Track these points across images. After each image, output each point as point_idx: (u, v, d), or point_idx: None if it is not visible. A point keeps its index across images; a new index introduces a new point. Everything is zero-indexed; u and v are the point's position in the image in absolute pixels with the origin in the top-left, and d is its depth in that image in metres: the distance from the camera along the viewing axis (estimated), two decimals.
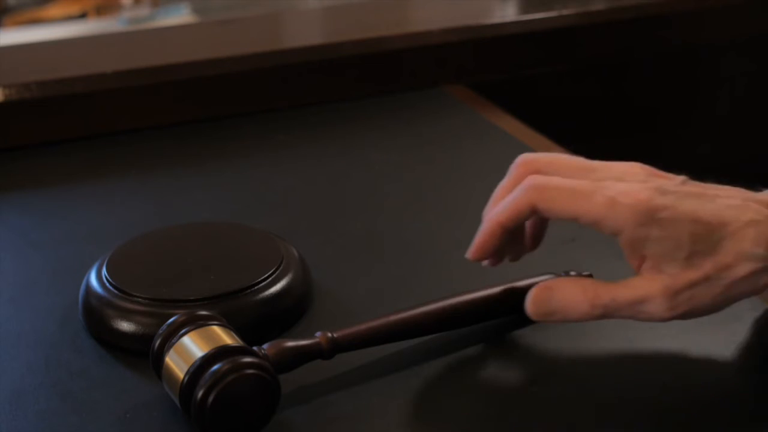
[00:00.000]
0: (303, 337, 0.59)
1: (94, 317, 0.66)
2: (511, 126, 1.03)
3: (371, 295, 0.71)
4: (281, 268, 0.68)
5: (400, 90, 1.12)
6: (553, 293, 0.58)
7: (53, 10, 2.56)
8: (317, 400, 0.59)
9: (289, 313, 0.67)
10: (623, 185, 0.56)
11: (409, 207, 0.86)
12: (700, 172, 0.70)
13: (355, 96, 1.11)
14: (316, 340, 0.59)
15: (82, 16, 2.56)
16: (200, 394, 0.53)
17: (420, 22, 1.23)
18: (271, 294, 0.66)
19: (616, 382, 0.61)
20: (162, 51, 1.12)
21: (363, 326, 0.61)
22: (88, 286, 0.68)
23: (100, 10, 2.56)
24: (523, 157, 0.61)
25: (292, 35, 1.27)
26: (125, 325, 0.64)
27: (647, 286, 0.56)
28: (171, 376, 0.56)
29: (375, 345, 0.61)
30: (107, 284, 0.66)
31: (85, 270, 0.70)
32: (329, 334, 0.60)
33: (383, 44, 1.12)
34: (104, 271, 0.68)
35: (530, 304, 0.59)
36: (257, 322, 0.65)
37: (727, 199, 0.57)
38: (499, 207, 0.59)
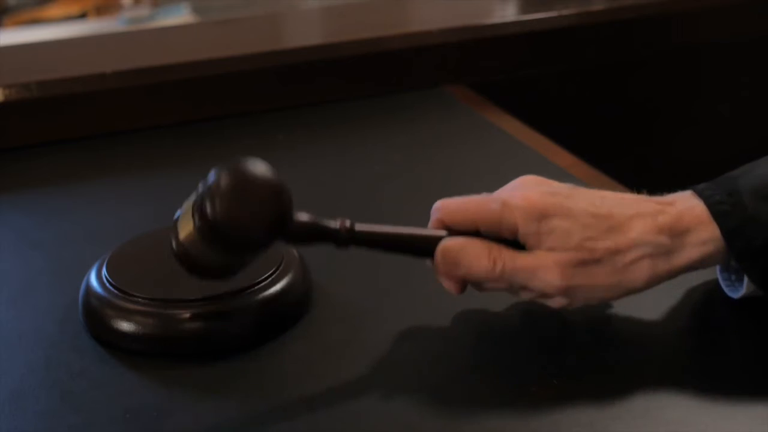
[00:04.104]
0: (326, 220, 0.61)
1: (94, 317, 0.66)
2: (511, 126, 1.03)
3: (371, 295, 0.71)
4: (281, 268, 0.68)
5: (400, 90, 1.12)
6: (462, 246, 0.63)
7: (53, 10, 2.56)
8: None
9: (288, 313, 0.67)
10: (515, 192, 0.62)
11: (409, 207, 0.85)
12: (700, 171, 0.70)
13: (355, 96, 1.10)
14: (336, 225, 0.61)
15: (82, 16, 2.56)
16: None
17: (420, 22, 1.23)
18: (271, 294, 0.66)
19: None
20: (162, 51, 1.12)
21: (379, 228, 0.63)
22: (88, 286, 0.67)
23: (100, 10, 2.56)
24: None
25: (292, 35, 1.27)
26: (125, 325, 0.64)
27: (543, 257, 0.61)
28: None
29: (386, 250, 0.64)
30: (107, 284, 0.66)
31: (85, 270, 0.70)
32: (348, 223, 0.62)
33: (383, 44, 1.12)
34: (104, 271, 0.68)
35: (439, 254, 0.63)
36: (257, 322, 0.65)
37: (615, 198, 0.63)
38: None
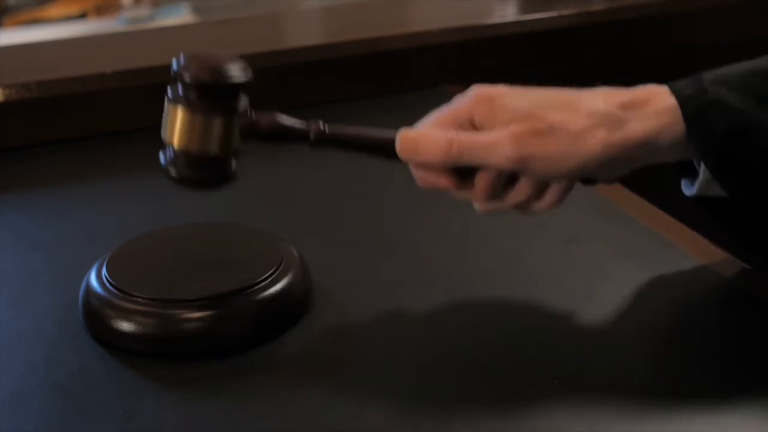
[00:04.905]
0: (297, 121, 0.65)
1: (94, 317, 0.66)
2: None
3: (371, 295, 0.71)
4: (281, 268, 0.68)
5: (400, 90, 1.12)
6: (420, 132, 0.65)
7: (53, 10, 2.55)
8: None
9: (288, 313, 0.67)
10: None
11: (409, 207, 0.86)
12: None
13: (355, 96, 1.10)
14: (306, 125, 0.65)
15: (82, 16, 2.56)
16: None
17: (420, 22, 1.23)
18: (271, 294, 0.66)
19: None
20: (162, 51, 1.12)
21: (350, 130, 0.66)
22: (88, 286, 0.67)
23: (100, 10, 2.56)
24: None
25: (292, 35, 1.27)
26: (125, 325, 0.64)
27: (498, 132, 0.62)
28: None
29: (354, 151, 0.67)
30: (107, 284, 0.66)
31: (85, 270, 0.70)
32: (321, 125, 0.65)
33: (383, 44, 1.12)
34: (104, 271, 0.68)
35: (399, 142, 0.65)
36: (257, 322, 0.65)
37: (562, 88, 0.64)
38: None
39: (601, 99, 0.62)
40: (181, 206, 0.87)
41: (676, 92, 0.62)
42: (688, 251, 0.75)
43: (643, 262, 0.73)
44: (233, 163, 0.65)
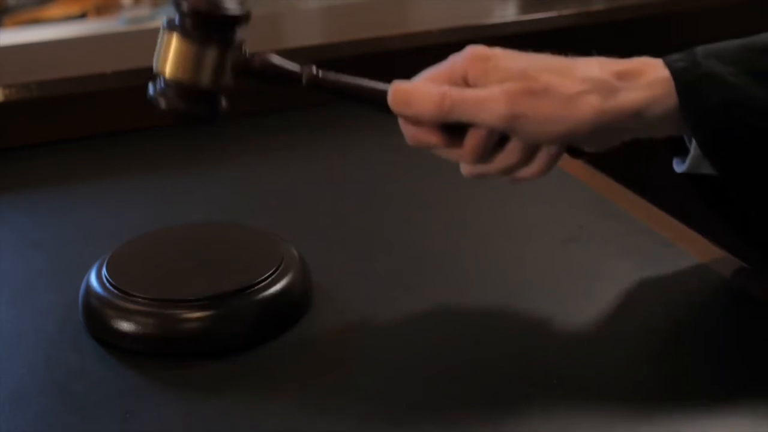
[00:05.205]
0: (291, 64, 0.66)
1: (94, 317, 0.66)
2: None
3: (371, 295, 0.71)
4: (281, 268, 0.68)
5: None
6: (413, 84, 0.64)
7: (53, 10, 2.56)
8: None
9: (288, 313, 0.67)
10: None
11: (409, 207, 0.86)
12: None
13: None
14: (300, 68, 0.66)
15: (82, 16, 2.56)
16: None
17: (420, 22, 1.23)
18: (271, 294, 0.66)
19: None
20: None
21: (344, 78, 0.66)
22: (88, 286, 0.68)
23: (100, 10, 2.56)
24: None
25: (292, 35, 1.27)
26: (125, 325, 0.64)
27: (492, 89, 0.61)
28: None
29: (346, 100, 0.67)
30: (107, 284, 0.66)
31: (85, 270, 0.70)
32: (314, 71, 0.65)
33: (383, 44, 1.12)
34: (104, 271, 0.68)
35: (391, 94, 0.64)
36: (257, 322, 0.65)
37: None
38: None
39: (596, 66, 0.63)
40: (181, 206, 0.87)
41: (669, 64, 0.62)
42: (688, 251, 0.75)
43: (642, 262, 0.73)
44: (223, 100, 0.66)
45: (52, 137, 1.00)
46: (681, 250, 0.75)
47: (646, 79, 0.62)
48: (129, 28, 2.24)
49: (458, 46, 1.03)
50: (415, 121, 0.63)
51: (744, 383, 0.61)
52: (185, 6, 0.62)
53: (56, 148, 1.00)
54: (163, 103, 0.63)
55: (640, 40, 1.24)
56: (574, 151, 0.66)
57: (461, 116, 0.62)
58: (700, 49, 0.63)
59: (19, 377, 0.62)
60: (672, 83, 0.61)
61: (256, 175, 0.93)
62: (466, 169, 0.66)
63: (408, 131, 0.64)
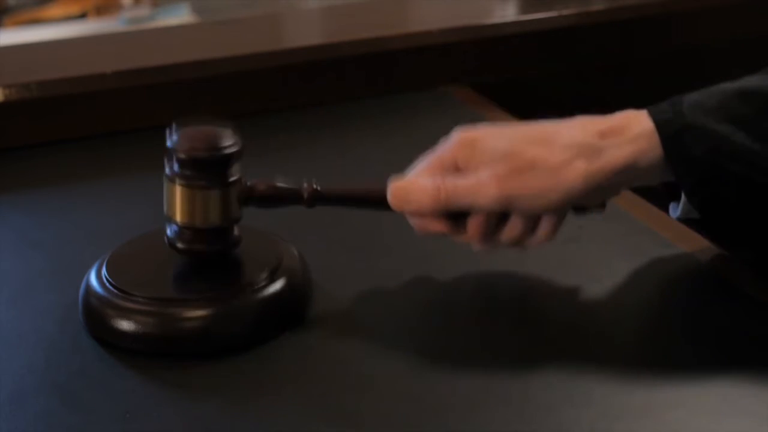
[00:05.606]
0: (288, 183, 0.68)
1: (94, 317, 0.66)
2: None
3: (371, 295, 0.71)
4: (281, 268, 0.68)
5: (400, 90, 1.12)
6: (409, 181, 0.67)
7: (53, 10, 2.55)
8: None
9: (288, 313, 0.67)
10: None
11: None
12: None
13: (355, 96, 1.10)
14: (299, 186, 0.68)
15: (82, 16, 2.55)
16: None
17: (420, 22, 1.23)
18: (271, 294, 0.66)
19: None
20: (162, 51, 1.12)
21: (342, 187, 0.69)
22: (88, 286, 0.67)
23: (100, 10, 2.56)
24: None
25: (292, 35, 1.27)
26: (125, 325, 0.64)
27: (481, 174, 0.64)
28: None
29: (348, 206, 0.70)
30: (107, 284, 0.66)
31: (85, 270, 0.70)
32: (314, 185, 0.68)
33: (383, 44, 1.12)
34: (104, 271, 0.68)
35: (390, 193, 0.67)
36: (257, 321, 0.65)
37: (554, 123, 0.66)
38: None
39: (578, 130, 0.64)
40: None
41: (653, 116, 0.63)
42: (688, 251, 0.75)
43: (643, 262, 0.73)
44: (235, 230, 0.68)
45: (52, 137, 1.00)
46: (681, 250, 0.75)
47: (630, 134, 0.63)
48: (129, 28, 2.24)
49: (458, 46, 1.03)
50: (418, 214, 0.66)
51: (744, 384, 0.61)
52: (183, 155, 0.64)
53: (56, 148, 1.00)
54: (181, 246, 0.67)
55: (640, 40, 1.24)
56: (578, 209, 0.68)
57: (459, 205, 0.64)
58: (686, 98, 0.64)
59: (19, 377, 0.62)
60: (656, 135, 0.63)
61: (256, 175, 0.93)
62: (475, 247, 0.68)
63: (414, 222, 0.67)
